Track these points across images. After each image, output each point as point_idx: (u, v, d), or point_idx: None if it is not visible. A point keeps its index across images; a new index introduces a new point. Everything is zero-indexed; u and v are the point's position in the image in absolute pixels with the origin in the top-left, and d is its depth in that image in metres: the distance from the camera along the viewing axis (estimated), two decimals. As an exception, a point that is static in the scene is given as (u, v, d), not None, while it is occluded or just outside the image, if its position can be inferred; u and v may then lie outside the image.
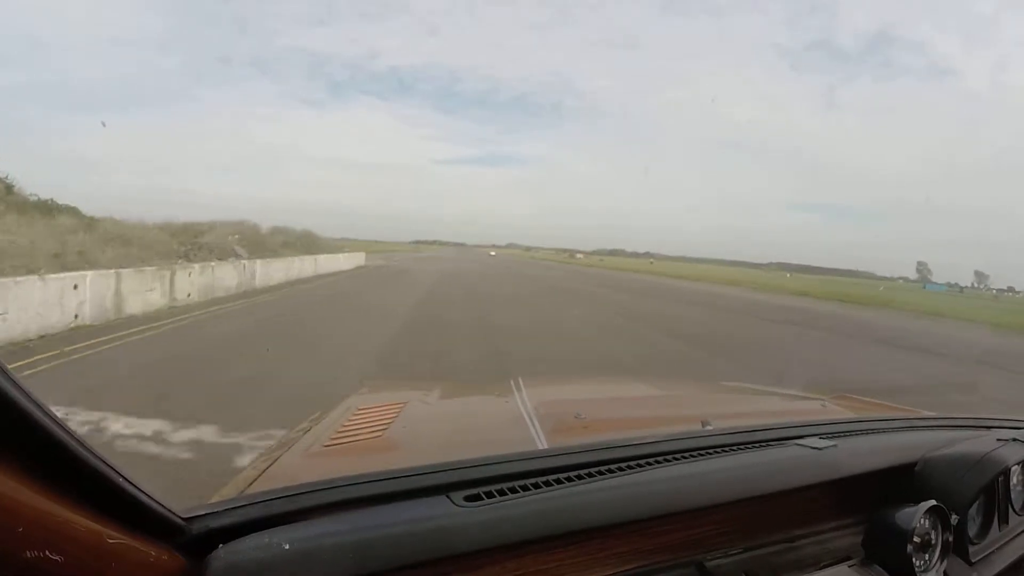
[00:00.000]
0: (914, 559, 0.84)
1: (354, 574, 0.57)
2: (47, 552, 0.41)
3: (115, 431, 3.87)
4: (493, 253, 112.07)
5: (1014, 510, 1.06)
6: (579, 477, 0.78)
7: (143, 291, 9.70)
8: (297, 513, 0.64)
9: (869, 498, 0.96)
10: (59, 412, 0.44)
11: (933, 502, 0.88)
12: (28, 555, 0.40)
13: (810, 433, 1.06)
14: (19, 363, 5.53)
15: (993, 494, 1.03)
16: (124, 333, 7.69)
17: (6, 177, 13.34)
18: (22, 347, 6.41)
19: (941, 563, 0.88)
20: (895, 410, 1.64)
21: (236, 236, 18.63)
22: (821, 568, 0.85)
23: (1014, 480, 1.07)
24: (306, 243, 25.81)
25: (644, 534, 0.77)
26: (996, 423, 1.30)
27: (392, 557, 0.59)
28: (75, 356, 6.18)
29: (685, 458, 0.89)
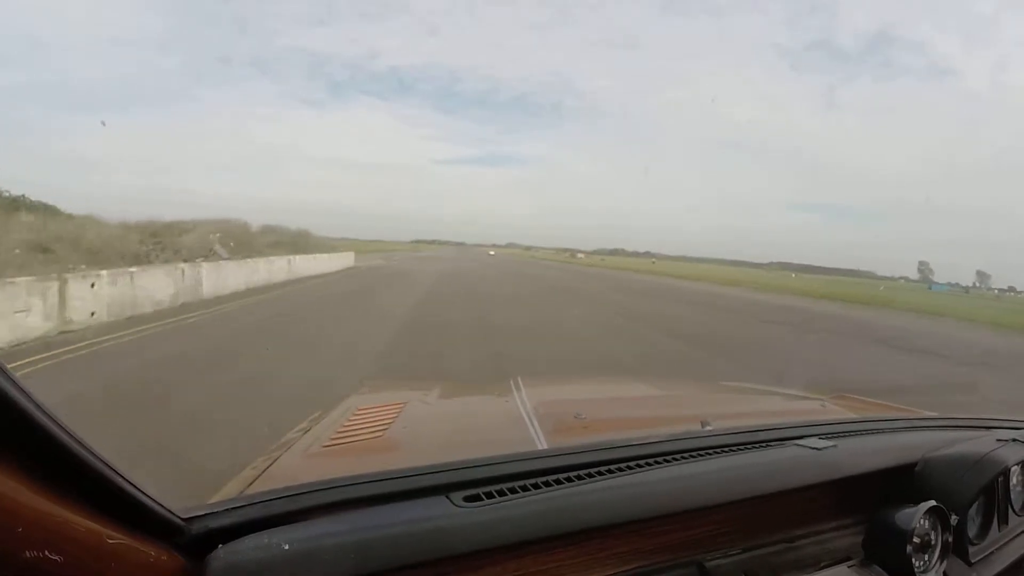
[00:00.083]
0: (914, 559, 0.84)
1: (354, 574, 0.57)
2: (47, 552, 0.41)
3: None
4: (492, 252, 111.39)
5: (1014, 510, 1.06)
6: (579, 477, 0.78)
7: (10, 312, 6.72)
8: (297, 513, 0.64)
9: (869, 498, 0.96)
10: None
11: (933, 502, 0.88)
12: (28, 555, 0.40)
13: (810, 433, 1.05)
14: None
15: (993, 494, 1.03)
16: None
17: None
18: None
19: (941, 563, 0.88)
20: (895, 410, 1.63)
21: (218, 235, 17.71)
22: (821, 568, 0.85)
23: (1014, 480, 1.07)
24: (298, 243, 24.68)
25: (644, 534, 0.77)
26: (996, 423, 1.30)
27: (392, 557, 0.59)
28: None
29: (685, 458, 0.89)
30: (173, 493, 0.58)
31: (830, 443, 0.99)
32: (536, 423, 1.13)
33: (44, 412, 0.41)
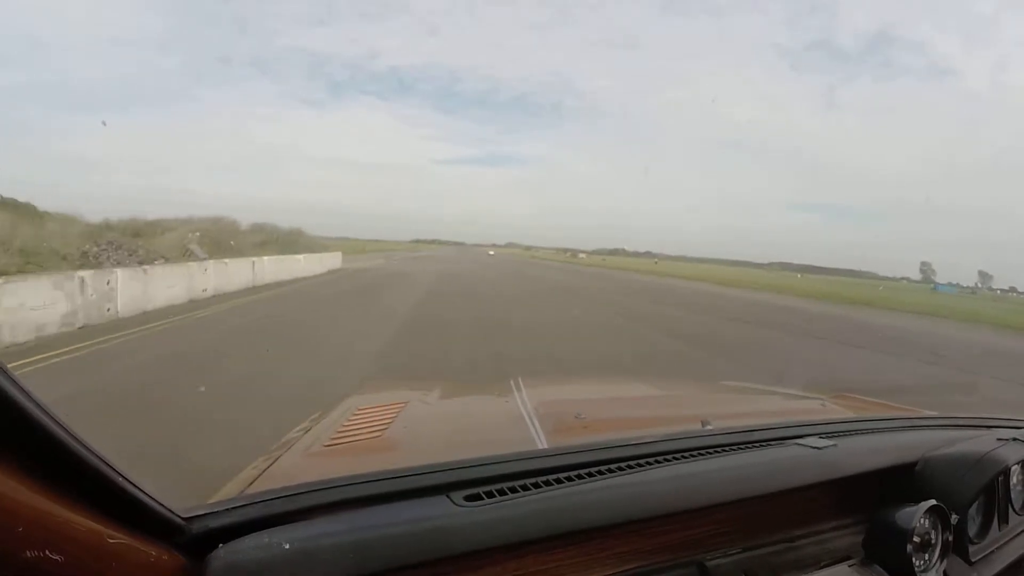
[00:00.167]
0: (914, 559, 0.84)
1: (354, 574, 0.57)
2: (47, 552, 0.41)
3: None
4: (492, 253, 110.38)
5: (1014, 510, 1.06)
6: (579, 477, 0.78)
7: None
8: (297, 513, 0.64)
9: (869, 498, 0.96)
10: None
11: (933, 502, 0.88)
12: (28, 555, 0.40)
13: (810, 433, 1.05)
14: None
15: (993, 494, 1.03)
16: None
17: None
18: None
19: (941, 563, 0.88)
20: (895, 410, 1.63)
21: (197, 234, 16.63)
22: (821, 568, 0.85)
23: (1014, 480, 1.07)
24: (289, 242, 23.32)
25: (644, 534, 0.77)
26: (996, 423, 1.30)
27: (392, 557, 0.59)
28: None
29: (685, 458, 0.89)
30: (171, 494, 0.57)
31: (830, 442, 0.99)
32: (536, 423, 1.13)
33: (44, 412, 0.41)
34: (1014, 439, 1.05)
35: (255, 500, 0.66)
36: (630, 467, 0.83)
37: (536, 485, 0.74)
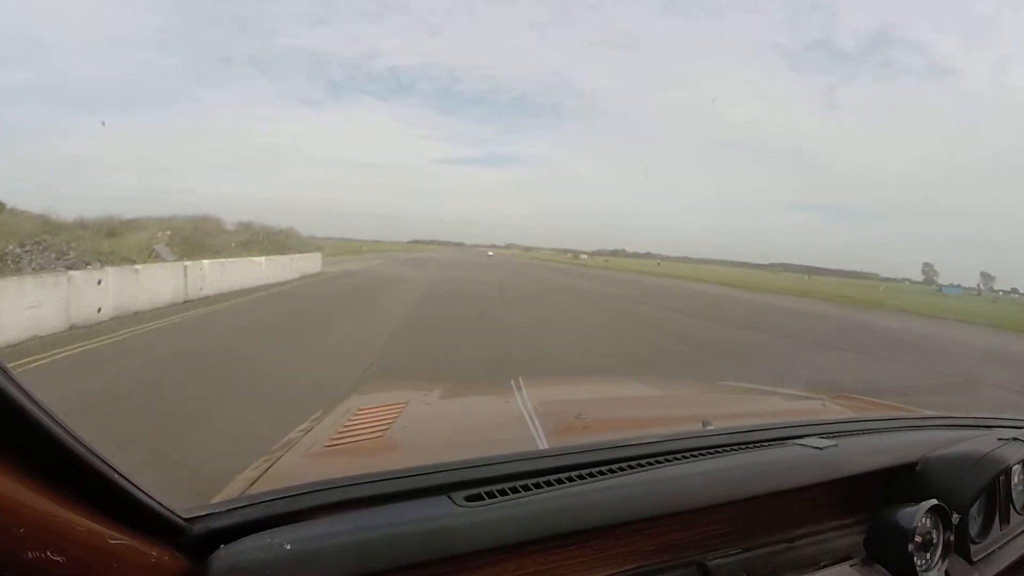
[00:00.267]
0: (915, 558, 0.83)
1: (356, 574, 0.57)
2: (48, 553, 0.41)
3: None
4: (491, 254, 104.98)
5: (1015, 509, 1.06)
6: (580, 477, 0.78)
7: None
8: (299, 513, 0.64)
9: (870, 498, 0.96)
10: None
11: (934, 501, 0.88)
12: (29, 556, 0.40)
13: (810, 433, 1.05)
14: None
15: (994, 493, 1.03)
16: None
17: None
18: None
19: (942, 562, 0.88)
20: (895, 409, 1.63)
21: (168, 233, 15.04)
22: (822, 568, 0.85)
23: (1015, 479, 1.07)
24: (276, 242, 21.33)
25: (645, 534, 0.77)
26: (997, 422, 1.30)
27: (393, 557, 0.59)
28: None
29: (685, 458, 0.89)
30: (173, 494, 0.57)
31: (831, 442, 0.99)
32: (537, 423, 1.13)
33: (45, 412, 0.41)
34: (1015, 439, 1.05)
35: (257, 500, 0.66)
36: (631, 467, 0.83)
37: (537, 485, 0.74)
